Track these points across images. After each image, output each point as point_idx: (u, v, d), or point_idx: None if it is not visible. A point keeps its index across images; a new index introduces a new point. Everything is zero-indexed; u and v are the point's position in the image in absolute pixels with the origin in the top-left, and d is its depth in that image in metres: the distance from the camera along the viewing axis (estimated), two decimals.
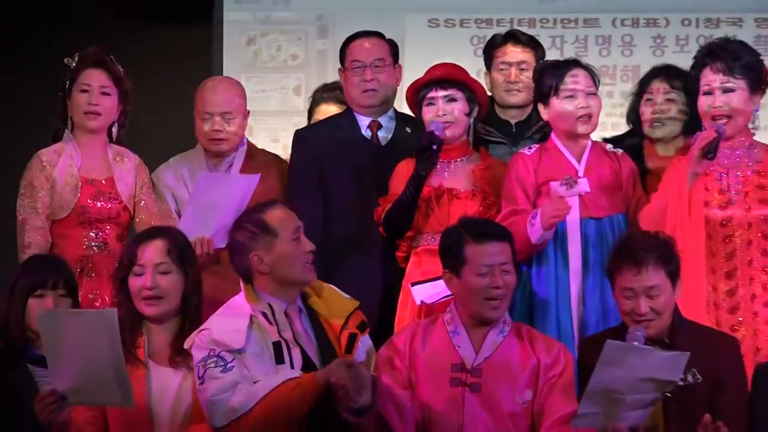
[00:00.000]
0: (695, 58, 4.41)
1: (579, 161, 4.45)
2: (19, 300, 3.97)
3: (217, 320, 3.85)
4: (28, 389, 3.85)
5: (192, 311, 3.98)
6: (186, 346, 3.86)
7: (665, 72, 4.88)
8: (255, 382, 3.76)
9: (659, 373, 3.54)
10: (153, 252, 3.97)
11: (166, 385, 3.93)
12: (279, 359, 3.80)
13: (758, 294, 4.26)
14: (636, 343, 3.70)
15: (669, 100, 4.79)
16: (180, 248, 4.01)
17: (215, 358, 3.76)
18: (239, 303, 3.90)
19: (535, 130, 4.93)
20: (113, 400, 3.74)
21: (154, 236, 4.05)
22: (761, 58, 4.40)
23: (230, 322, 3.83)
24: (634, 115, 4.90)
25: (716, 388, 3.86)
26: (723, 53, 4.30)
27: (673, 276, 3.90)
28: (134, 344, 3.94)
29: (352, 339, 3.92)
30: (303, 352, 3.86)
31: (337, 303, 4.00)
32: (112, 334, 3.63)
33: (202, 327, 3.84)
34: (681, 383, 3.78)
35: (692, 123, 4.71)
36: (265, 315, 3.84)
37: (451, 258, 3.94)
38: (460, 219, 4.14)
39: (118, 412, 3.85)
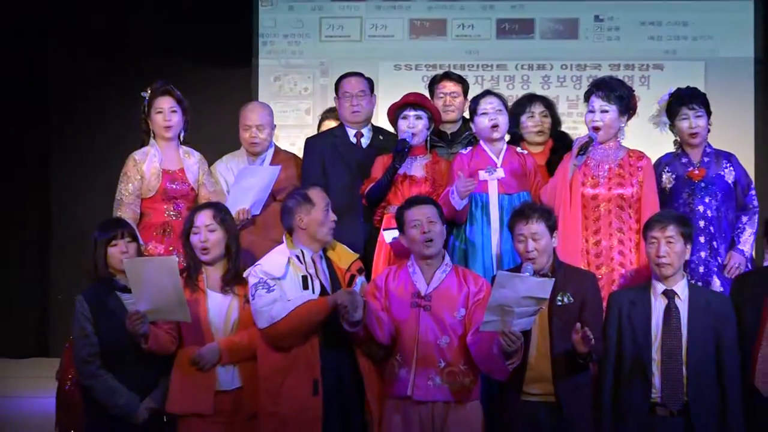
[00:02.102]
0: (589, 86, 4.51)
1: (498, 157, 4.54)
2: (101, 249, 4.00)
3: (266, 258, 3.97)
4: (119, 309, 3.93)
5: (233, 255, 4.05)
6: (245, 275, 3.97)
7: (536, 98, 5.11)
8: (288, 300, 3.83)
9: (534, 293, 3.65)
10: (204, 217, 4.03)
11: (219, 305, 4.01)
12: (305, 287, 3.90)
13: (614, 246, 4.37)
14: (527, 273, 3.81)
15: (544, 115, 4.97)
16: (222, 214, 4.07)
17: (263, 283, 3.85)
18: (281, 248, 3.99)
19: (464, 137, 5.07)
20: (177, 317, 3.87)
21: (204, 207, 4.12)
22: (632, 92, 4.45)
23: (275, 258, 3.94)
24: (513, 129, 4.94)
25: (582, 307, 3.98)
26: (604, 87, 4.44)
27: (551, 228, 4.03)
28: (198, 279, 4.03)
29: (351, 279, 4.02)
30: (321, 284, 3.95)
31: (344, 255, 4.10)
32: (174, 273, 3.77)
33: (256, 264, 3.93)
34: (560, 304, 3.94)
35: (556, 130, 5.00)
36: (298, 257, 3.92)
37: (398, 223, 4.10)
38: (407, 198, 4.25)
39: (187, 325, 3.94)
